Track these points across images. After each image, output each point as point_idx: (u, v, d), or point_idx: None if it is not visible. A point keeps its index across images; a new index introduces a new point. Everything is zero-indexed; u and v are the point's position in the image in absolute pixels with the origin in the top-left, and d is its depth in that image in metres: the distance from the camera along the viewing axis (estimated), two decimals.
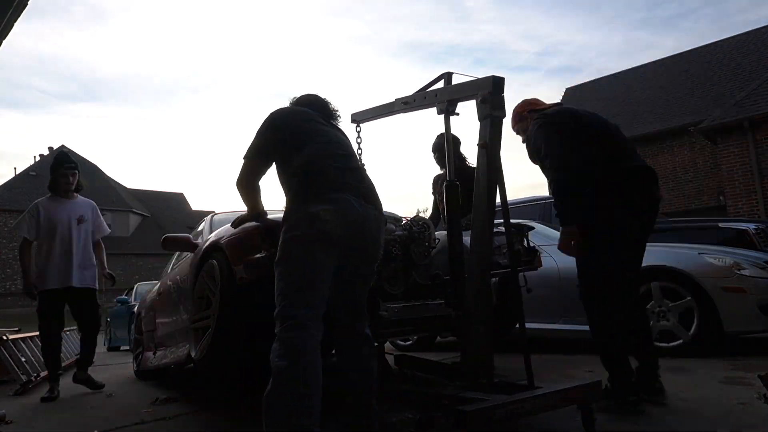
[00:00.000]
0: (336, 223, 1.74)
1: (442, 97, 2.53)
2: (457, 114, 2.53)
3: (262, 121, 2.03)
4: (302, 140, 1.94)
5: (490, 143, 2.18)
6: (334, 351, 1.99)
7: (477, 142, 2.23)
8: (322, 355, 1.71)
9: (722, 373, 2.91)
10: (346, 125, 2.29)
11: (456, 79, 2.57)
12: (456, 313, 2.41)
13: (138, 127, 62.22)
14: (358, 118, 3.08)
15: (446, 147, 2.57)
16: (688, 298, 3.47)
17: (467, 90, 2.38)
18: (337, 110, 2.25)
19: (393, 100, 2.87)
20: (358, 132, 3.03)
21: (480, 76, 2.31)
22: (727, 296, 3.37)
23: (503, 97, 2.22)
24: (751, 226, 4.63)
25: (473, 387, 2.08)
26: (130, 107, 63.21)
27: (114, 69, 61.80)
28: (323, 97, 2.26)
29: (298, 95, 2.27)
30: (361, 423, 1.82)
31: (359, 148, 2.99)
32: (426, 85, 2.73)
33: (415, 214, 3.00)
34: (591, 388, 2.00)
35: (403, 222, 2.77)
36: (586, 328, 2.49)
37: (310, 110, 2.13)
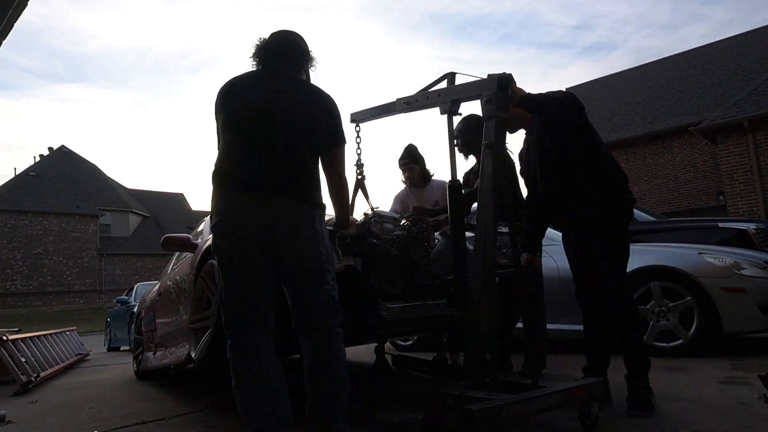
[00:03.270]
0: (230, 233, 1.76)
1: (446, 97, 2.50)
2: (460, 114, 2.51)
3: None
4: (224, 130, 1.87)
5: (495, 143, 2.17)
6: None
7: (482, 141, 2.22)
8: (283, 354, 1.76)
9: (722, 373, 2.90)
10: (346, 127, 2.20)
11: (459, 79, 2.56)
12: (460, 313, 2.40)
13: (133, 115, 59.33)
14: (358, 118, 3.05)
15: (450, 149, 2.54)
16: (688, 298, 3.47)
17: (471, 90, 2.36)
18: (302, 56, 2.00)
19: (395, 99, 2.85)
20: (357, 132, 3.00)
21: (484, 76, 2.30)
22: (727, 296, 3.37)
23: (508, 96, 2.22)
24: (751, 226, 4.63)
25: (478, 386, 2.08)
26: (122, 90, 59.70)
27: (101, 42, 56.58)
28: (289, 38, 1.98)
29: (267, 37, 2.00)
30: None
31: (358, 147, 2.98)
32: (429, 85, 2.71)
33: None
34: (594, 388, 2.00)
35: (403, 222, 2.77)
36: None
37: (255, 72, 1.95)
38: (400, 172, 3.82)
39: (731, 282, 3.41)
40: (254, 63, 1.98)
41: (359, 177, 3.02)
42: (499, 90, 2.17)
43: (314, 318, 1.79)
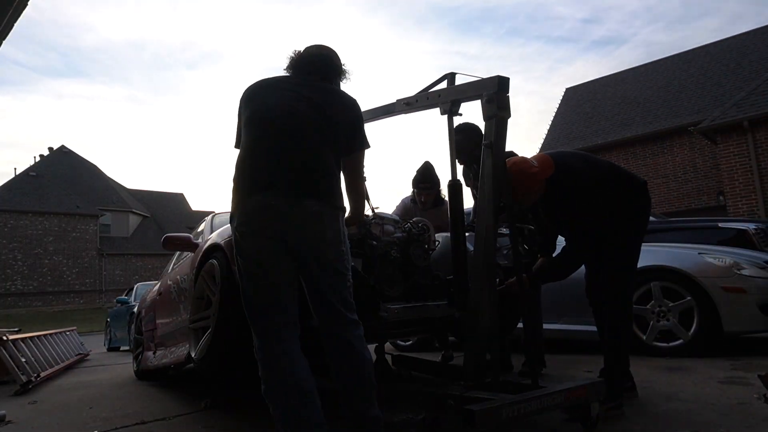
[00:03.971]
0: (256, 235, 1.75)
1: (446, 97, 2.48)
2: (460, 114, 2.49)
3: None
4: (246, 128, 1.86)
5: (495, 143, 2.17)
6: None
7: (482, 141, 2.22)
8: (312, 355, 1.77)
9: (722, 373, 2.90)
10: None
11: (459, 80, 2.55)
12: (460, 313, 2.40)
13: (131, 113, 58.29)
14: None
15: (450, 149, 2.49)
16: (688, 298, 3.47)
17: (472, 90, 2.35)
18: (336, 67, 2.04)
19: (395, 100, 2.83)
20: None
21: (484, 76, 2.30)
22: (727, 296, 3.37)
23: (508, 96, 2.22)
24: (751, 226, 4.63)
25: (478, 387, 2.08)
26: (120, 86, 58.22)
27: (97, 35, 55.44)
28: (322, 52, 2.03)
29: (302, 50, 2.05)
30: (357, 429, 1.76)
31: None
32: (428, 86, 2.70)
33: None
34: (594, 388, 2.01)
35: (404, 224, 2.76)
36: (585, 328, 2.52)
37: (283, 76, 1.99)
38: (414, 190, 3.76)
39: (731, 282, 3.41)
40: (287, 73, 2.03)
41: None
42: (499, 90, 2.17)
43: (337, 315, 1.80)
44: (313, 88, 1.93)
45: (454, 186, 2.42)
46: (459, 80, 2.53)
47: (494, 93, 2.17)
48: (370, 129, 2.92)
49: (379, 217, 2.60)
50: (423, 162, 3.80)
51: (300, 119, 1.84)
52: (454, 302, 2.44)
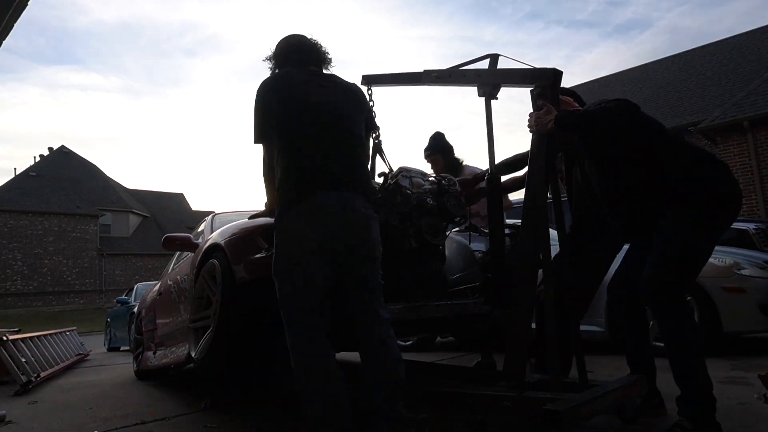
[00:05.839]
0: (312, 232, 1.72)
1: (488, 78, 2.29)
2: (497, 99, 2.35)
3: (255, 95, 1.91)
4: (284, 125, 1.83)
5: (546, 137, 2.08)
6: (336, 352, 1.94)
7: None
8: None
9: (722, 373, 2.90)
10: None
11: (502, 63, 2.37)
12: (498, 312, 2.33)
13: (128, 105, 56.37)
14: (371, 81, 2.65)
15: (488, 135, 2.35)
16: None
17: (521, 78, 2.19)
18: (327, 53, 2.06)
19: (422, 70, 2.59)
20: (370, 95, 2.57)
21: (528, 63, 2.21)
22: (727, 296, 3.37)
23: (559, 91, 2.13)
24: (751, 226, 4.63)
25: (526, 387, 2.02)
26: (116, 75, 55.89)
27: (90, 18, 52.90)
28: (308, 38, 2.05)
29: (280, 41, 2.05)
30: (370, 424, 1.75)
31: (372, 111, 2.47)
32: (464, 63, 2.51)
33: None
34: (640, 385, 2.06)
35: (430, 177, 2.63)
36: (586, 328, 2.45)
37: (297, 68, 1.97)
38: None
39: (731, 282, 3.41)
40: (276, 66, 2.04)
41: (376, 141, 2.87)
42: (554, 83, 2.06)
43: (375, 314, 1.82)
44: (330, 82, 1.96)
45: (493, 179, 2.34)
46: (502, 63, 2.37)
47: (548, 85, 2.07)
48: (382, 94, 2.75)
49: (405, 170, 2.47)
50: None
51: (338, 114, 1.87)
52: (492, 300, 2.33)
